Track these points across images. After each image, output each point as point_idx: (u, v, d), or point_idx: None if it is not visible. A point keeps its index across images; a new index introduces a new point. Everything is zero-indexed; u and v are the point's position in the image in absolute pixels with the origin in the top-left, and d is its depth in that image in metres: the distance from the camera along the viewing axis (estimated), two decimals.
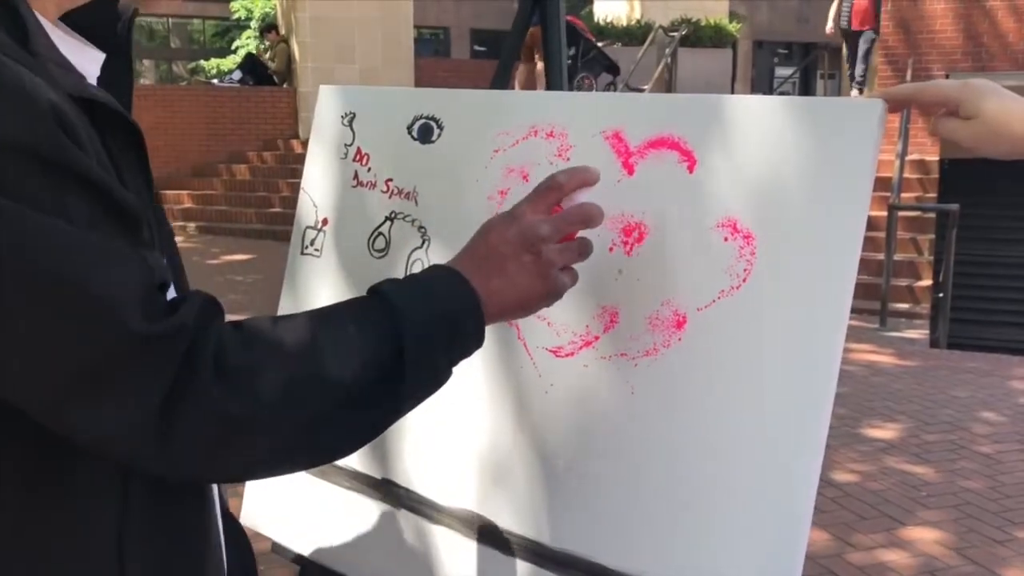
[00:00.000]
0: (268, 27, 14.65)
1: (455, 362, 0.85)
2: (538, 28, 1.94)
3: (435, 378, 0.83)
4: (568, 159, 1.12)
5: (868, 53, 10.80)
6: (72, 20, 0.81)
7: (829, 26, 11.22)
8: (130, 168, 0.76)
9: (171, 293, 0.85)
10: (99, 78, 0.82)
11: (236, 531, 1.03)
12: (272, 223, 10.39)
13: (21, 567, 0.76)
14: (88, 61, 0.81)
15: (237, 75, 13.63)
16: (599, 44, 11.55)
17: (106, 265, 0.67)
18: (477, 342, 0.86)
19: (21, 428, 0.72)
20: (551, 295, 0.92)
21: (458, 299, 0.84)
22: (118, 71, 0.85)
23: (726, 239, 0.99)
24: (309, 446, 0.78)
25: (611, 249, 1.06)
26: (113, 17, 0.84)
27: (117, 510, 0.78)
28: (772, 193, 0.97)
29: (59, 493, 0.76)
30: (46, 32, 0.74)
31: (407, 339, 0.78)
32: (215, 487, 0.93)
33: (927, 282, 6.83)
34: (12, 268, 0.64)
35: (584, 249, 0.94)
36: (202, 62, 23.34)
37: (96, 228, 0.68)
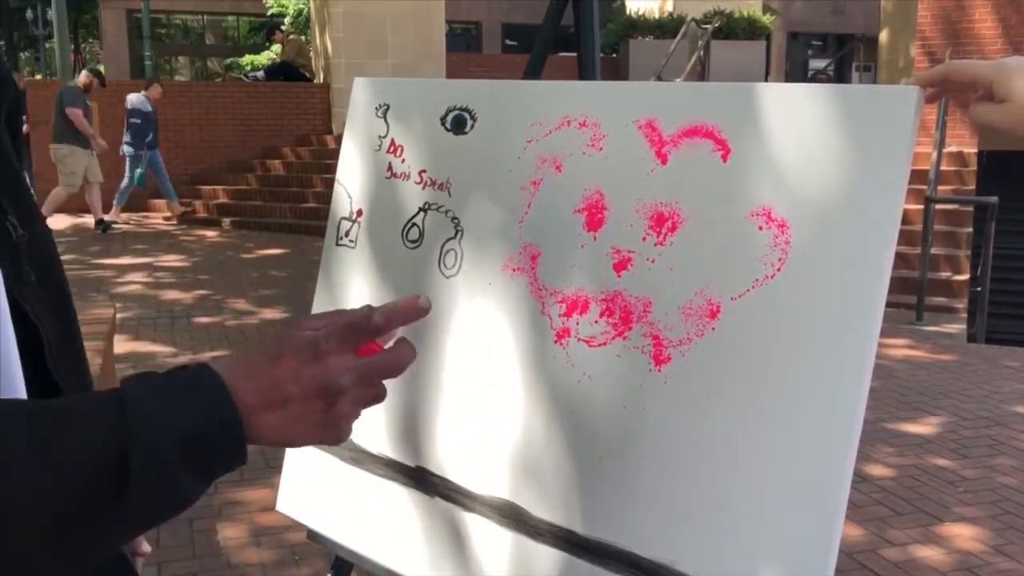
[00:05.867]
0: (272, 29, 14.88)
1: (207, 478, 0.75)
2: None
3: (176, 492, 0.73)
4: (601, 148, 1.12)
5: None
6: None
7: None
8: None
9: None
10: None
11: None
12: (306, 218, 10.47)
13: None
14: None
15: (260, 74, 13.80)
16: None
17: None
18: (238, 459, 0.76)
19: None
20: (327, 443, 0.83)
21: (216, 414, 0.74)
22: None
23: (760, 228, 0.98)
24: (12, 553, 0.68)
25: (644, 239, 1.06)
26: None
27: None
28: (807, 182, 0.96)
29: None
30: None
31: (134, 448, 0.70)
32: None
33: (965, 276, 6.74)
34: None
35: (381, 397, 0.83)
36: (237, 59, 23.53)
37: None
